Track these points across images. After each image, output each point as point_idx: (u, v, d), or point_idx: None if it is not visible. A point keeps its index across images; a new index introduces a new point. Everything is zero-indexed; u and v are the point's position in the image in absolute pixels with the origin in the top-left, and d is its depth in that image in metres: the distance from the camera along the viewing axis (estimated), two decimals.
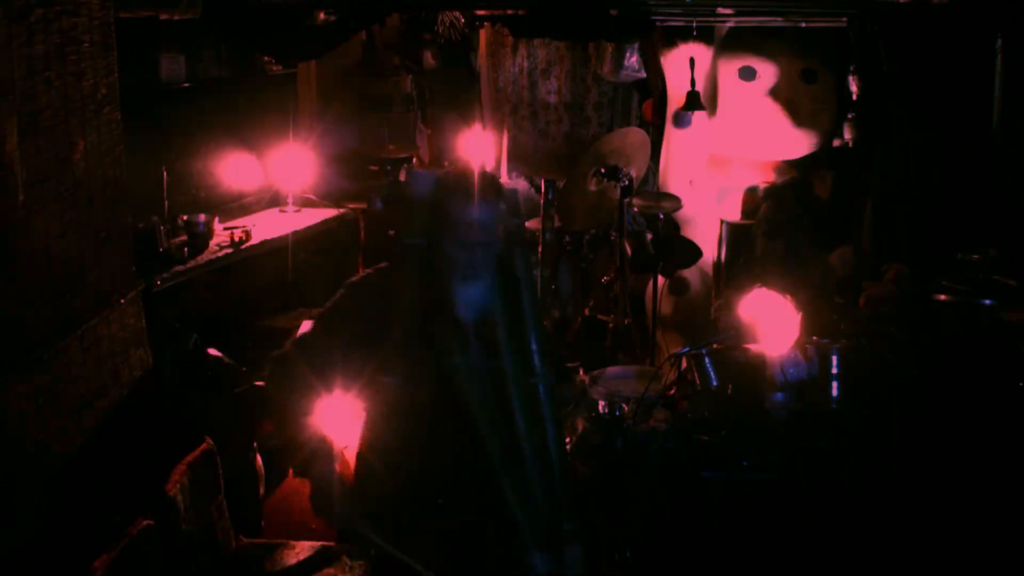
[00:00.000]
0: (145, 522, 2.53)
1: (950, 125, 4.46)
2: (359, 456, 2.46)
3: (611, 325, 5.02)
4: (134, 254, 2.92)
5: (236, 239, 4.51)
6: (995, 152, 4.33)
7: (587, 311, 5.66)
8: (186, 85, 4.59)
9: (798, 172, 4.50)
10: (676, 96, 5.42)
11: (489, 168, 6.34)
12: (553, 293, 5.31)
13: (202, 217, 4.39)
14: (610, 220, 5.25)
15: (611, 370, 4.32)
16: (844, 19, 4.67)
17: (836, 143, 5.16)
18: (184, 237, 4.28)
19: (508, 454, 2.35)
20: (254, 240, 4.63)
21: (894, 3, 4.39)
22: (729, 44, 5.32)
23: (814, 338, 3.49)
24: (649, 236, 5.06)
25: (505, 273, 2.41)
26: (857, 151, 4.92)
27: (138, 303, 2.89)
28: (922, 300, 3.68)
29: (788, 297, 3.63)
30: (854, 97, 4.87)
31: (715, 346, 3.56)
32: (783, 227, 4.51)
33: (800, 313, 3.51)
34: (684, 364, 3.83)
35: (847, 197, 4.64)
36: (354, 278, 2.49)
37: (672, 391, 3.89)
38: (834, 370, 3.42)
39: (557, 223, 5.12)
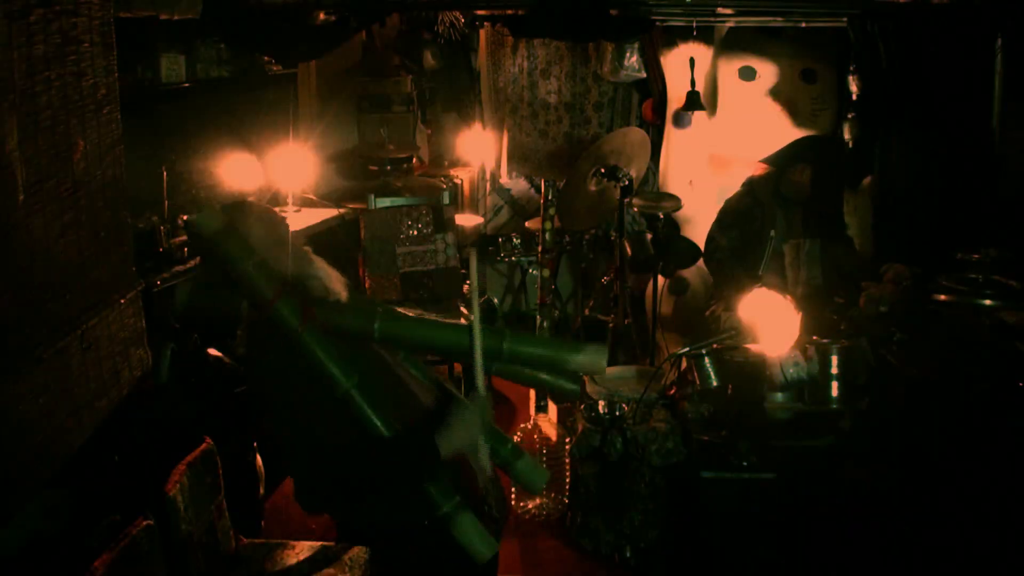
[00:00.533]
0: (145, 522, 2.53)
1: (950, 125, 4.46)
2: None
3: (611, 325, 5.02)
4: (134, 254, 2.92)
5: None
6: (995, 152, 4.33)
7: (587, 311, 5.66)
8: (186, 85, 4.59)
9: (774, 165, 4.49)
10: (676, 96, 5.42)
11: (489, 168, 6.40)
12: (553, 293, 5.31)
13: None
14: (610, 220, 5.25)
15: (611, 370, 4.33)
16: (844, 19, 4.67)
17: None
18: (184, 237, 4.28)
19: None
20: None
21: (894, 3, 4.40)
22: (729, 44, 5.32)
23: (814, 338, 3.49)
24: (649, 236, 5.07)
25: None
26: (856, 149, 4.92)
27: (138, 303, 2.89)
28: (922, 300, 3.68)
29: (788, 297, 3.64)
30: (854, 97, 4.87)
31: (715, 346, 3.57)
32: (743, 218, 4.50)
33: (800, 313, 3.52)
34: (684, 364, 3.83)
35: (830, 191, 4.62)
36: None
37: (672, 391, 3.90)
38: (834, 370, 3.42)
39: (557, 223, 5.12)
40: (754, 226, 4.43)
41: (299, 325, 2.26)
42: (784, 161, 4.42)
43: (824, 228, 4.47)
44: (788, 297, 3.68)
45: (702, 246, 4.97)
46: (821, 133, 5.21)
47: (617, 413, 3.87)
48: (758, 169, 4.59)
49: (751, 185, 4.57)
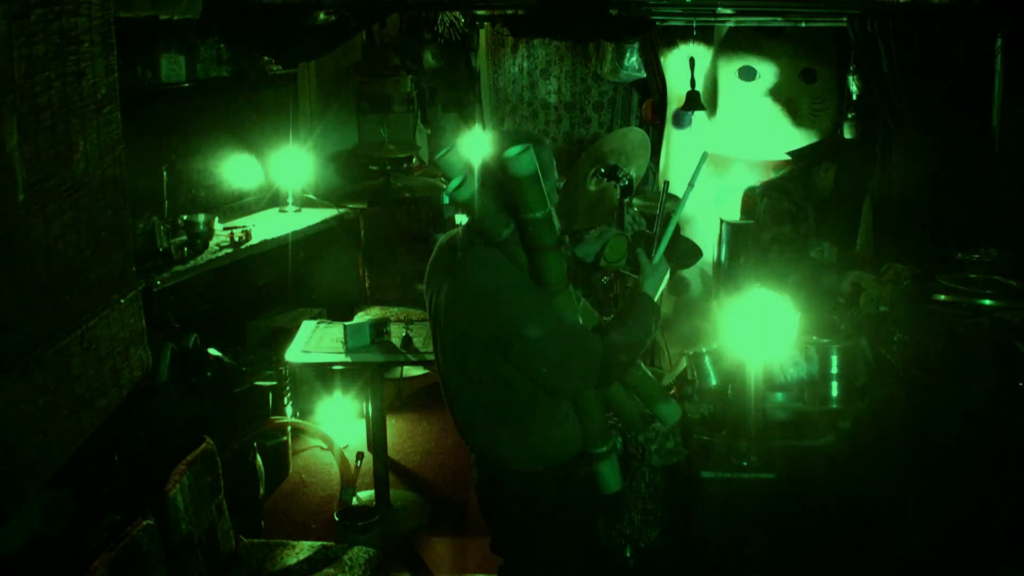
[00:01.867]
0: (145, 522, 2.53)
1: (950, 125, 4.46)
2: None
3: None
4: (134, 254, 2.92)
5: (236, 239, 4.52)
6: (995, 152, 4.33)
7: None
8: (186, 85, 4.59)
9: (798, 164, 4.47)
10: (676, 96, 5.42)
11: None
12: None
13: (202, 217, 4.40)
14: (610, 220, 5.25)
15: None
16: (844, 19, 4.66)
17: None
18: (184, 237, 4.28)
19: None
20: (254, 240, 4.64)
21: (894, 3, 4.39)
22: (729, 44, 5.32)
23: (814, 338, 3.49)
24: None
25: None
26: (858, 149, 4.92)
27: (138, 303, 2.89)
28: (922, 300, 3.67)
29: (788, 297, 3.63)
30: (854, 97, 4.87)
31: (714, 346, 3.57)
32: (787, 219, 4.48)
33: (800, 313, 3.52)
34: (684, 364, 3.83)
35: (853, 194, 4.62)
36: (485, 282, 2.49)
37: (672, 391, 3.89)
38: (834, 370, 3.42)
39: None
40: (801, 229, 4.42)
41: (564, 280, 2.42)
42: (809, 160, 4.38)
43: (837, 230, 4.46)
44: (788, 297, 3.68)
45: (702, 247, 4.96)
46: (821, 133, 5.22)
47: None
48: (767, 171, 4.58)
49: (784, 190, 4.54)
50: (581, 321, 2.49)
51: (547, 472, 2.54)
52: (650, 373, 2.72)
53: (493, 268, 2.40)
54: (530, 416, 2.47)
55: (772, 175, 5.25)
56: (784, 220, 4.49)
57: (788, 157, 5.24)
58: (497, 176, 2.33)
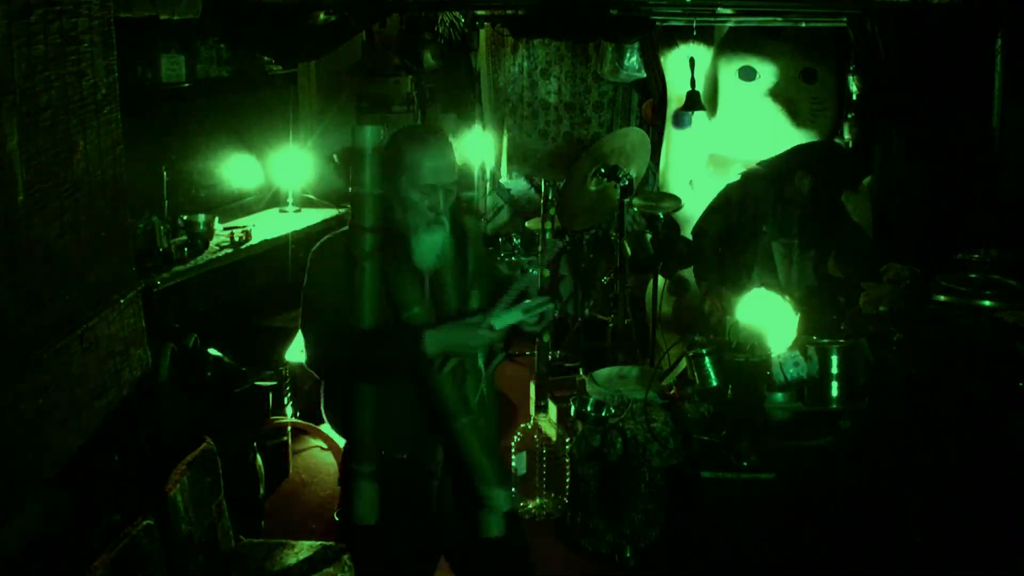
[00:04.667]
0: (145, 522, 2.53)
1: (950, 125, 4.46)
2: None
3: (611, 325, 5.02)
4: (134, 254, 2.92)
5: (236, 239, 4.51)
6: (995, 152, 4.33)
7: (587, 311, 5.67)
8: (186, 85, 4.59)
9: (772, 171, 4.43)
10: (676, 96, 5.42)
11: (489, 168, 6.40)
12: (553, 293, 5.31)
13: (202, 217, 4.39)
14: (610, 220, 5.25)
15: (611, 370, 4.33)
16: (844, 19, 4.66)
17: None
18: (184, 237, 4.28)
19: (462, 404, 2.44)
20: (254, 240, 4.64)
21: (894, 3, 4.39)
22: (729, 44, 5.32)
23: (814, 338, 3.49)
24: (649, 236, 5.06)
25: (458, 225, 2.50)
26: (856, 149, 4.91)
27: (138, 303, 2.89)
28: (922, 300, 3.67)
29: (787, 297, 3.64)
30: (854, 97, 4.87)
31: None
32: (733, 207, 4.43)
33: (799, 313, 3.52)
34: (684, 364, 3.83)
35: (830, 198, 4.57)
36: (317, 245, 2.55)
37: (672, 391, 3.90)
38: (834, 370, 3.42)
39: (557, 223, 5.12)
40: (744, 217, 4.35)
41: (366, 254, 2.38)
42: (783, 167, 4.36)
43: (821, 232, 4.43)
44: (787, 297, 3.68)
45: None
46: (821, 133, 5.21)
47: (609, 411, 3.88)
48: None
49: (747, 178, 4.51)
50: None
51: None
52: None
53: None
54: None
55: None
56: (720, 211, 4.44)
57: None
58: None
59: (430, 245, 2.41)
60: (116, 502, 2.66)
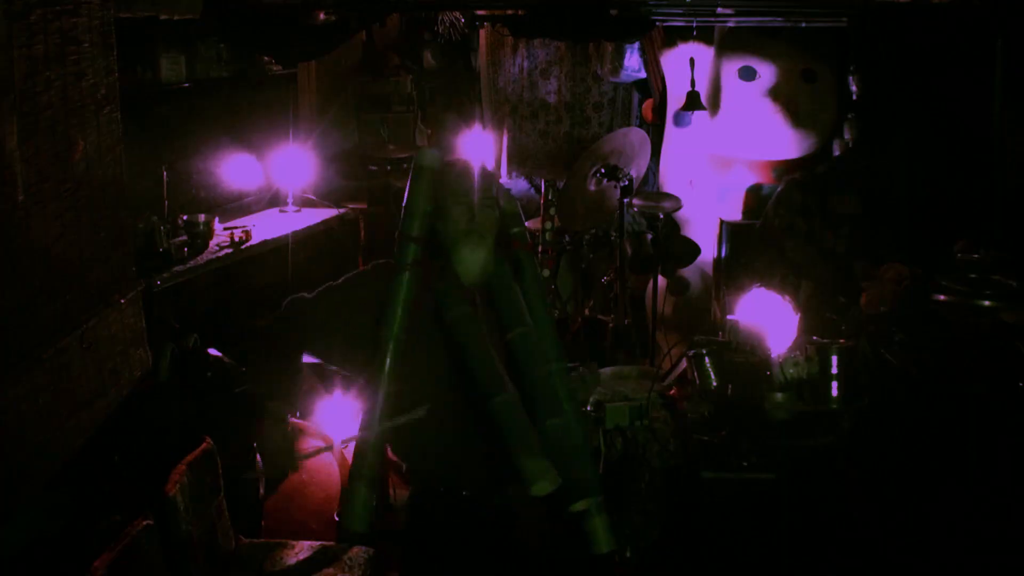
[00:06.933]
0: (145, 522, 2.53)
1: (950, 125, 4.46)
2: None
3: (611, 325, 5.02)
4: (134, 254, 2.92)
5: (236, 239, 4.51)
6: (995, 152, 4.33)
7: (587, 311, 5.66)
8: (186, 85, 4.59)
9: (800, 172, 4.47)
10: (676, 96, 5.42)
11: (489, 168, 6.39)
12: (553, 293, 5.31)
13: (202, 217, 4.39)
14: (610, 220, 5.25)
15: (611, 370, 4.32)
16: (844, 19, 4.67)
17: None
18: (184, 237, 4.28)
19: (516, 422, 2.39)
20: (254, 240, 4.63)
21: (894, 3, 4.39)
22: (729, 44, 5.32)
23: (814, 338, 3.49)
24: (649, 236, 5.06)
25: (511, 254, 2.59)
26: (856, 149, 4.91)
27: (138, 303, 2.89)
28: (922, 300, 3.68)
29: (788, 297, 3.64)
30: (854, 97, 4.87)
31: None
32: (798, 212, 4.48)
33: (800, 313, 3.52)
34: (684, 364, 3.83)
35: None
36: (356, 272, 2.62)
37: (672, 391, 3.90)
38: (834, 370, 3.42)
39: (557, 223, 5.12)
40: (813, 223, 4.45)
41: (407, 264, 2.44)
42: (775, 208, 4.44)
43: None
44: (788, 297, 3.68)
45: (702, 247, 4.98)
46: (821, 133, 5.21)
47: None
48: (767, 171, 4.60)
49: (800, 184, 4.57)
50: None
51: None
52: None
53: None
54: None
55: (773, 177, 5.25)
56: (796, 212, 4.48)
57: (788, 157, 5.25)
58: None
59: (473, 261, 2.47)
60: (116, 502, 2.66)
